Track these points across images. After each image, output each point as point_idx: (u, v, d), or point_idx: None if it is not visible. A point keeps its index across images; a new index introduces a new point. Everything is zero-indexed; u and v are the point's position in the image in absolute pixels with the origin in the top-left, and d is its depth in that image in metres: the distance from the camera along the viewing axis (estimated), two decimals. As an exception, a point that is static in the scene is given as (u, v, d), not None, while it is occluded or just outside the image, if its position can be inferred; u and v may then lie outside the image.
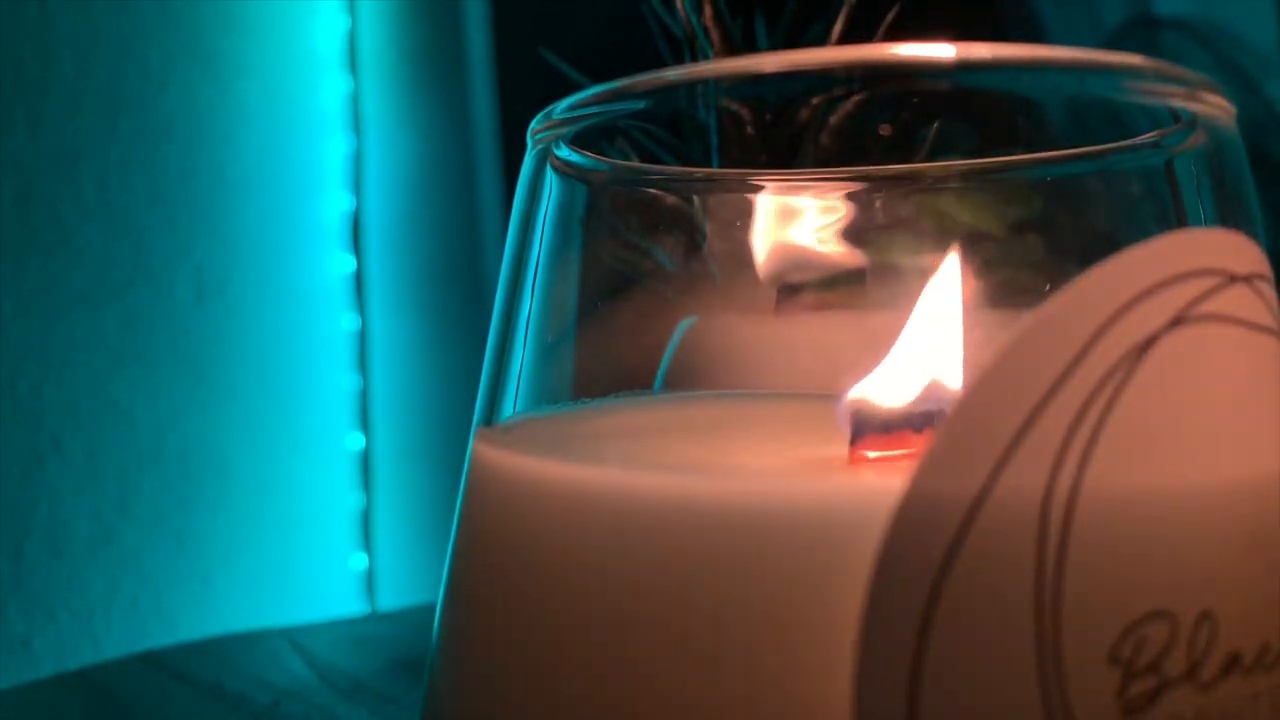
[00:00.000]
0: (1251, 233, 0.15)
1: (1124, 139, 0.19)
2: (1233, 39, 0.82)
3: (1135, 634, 0.13)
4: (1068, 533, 0.13)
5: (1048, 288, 0.14)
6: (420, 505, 0.75)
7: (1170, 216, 0.18)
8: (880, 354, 0.18)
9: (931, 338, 0.18)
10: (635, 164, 0.21)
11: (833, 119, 0.27)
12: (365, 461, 0.76)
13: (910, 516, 0.13)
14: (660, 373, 0.23)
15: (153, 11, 0.68)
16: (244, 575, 0.69)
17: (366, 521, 0.75)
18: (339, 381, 0.75)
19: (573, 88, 0.18)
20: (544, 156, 0.19)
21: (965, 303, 0.17)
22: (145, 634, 0.65)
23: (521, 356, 0.19)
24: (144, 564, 0.66)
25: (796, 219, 0.21)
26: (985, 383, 0.13)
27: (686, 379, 0.23)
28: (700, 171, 0.25)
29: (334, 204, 0.75)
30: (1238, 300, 0.14)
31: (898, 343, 0.17)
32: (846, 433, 0.17)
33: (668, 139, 0.29)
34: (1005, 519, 0.13)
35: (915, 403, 0.17)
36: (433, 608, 0.19)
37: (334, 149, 0.75)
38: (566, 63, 0.35)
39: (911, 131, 0.22)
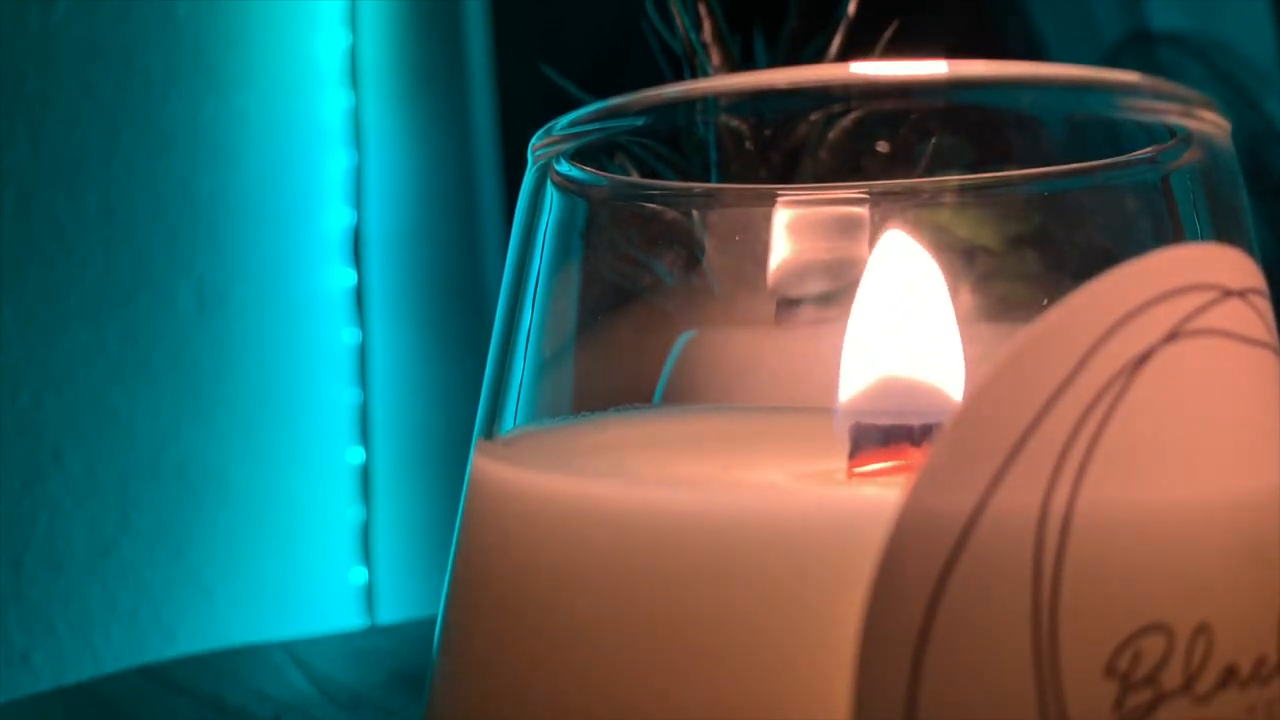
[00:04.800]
0: (1246, 247, 0.16)
1: (1120, 155, 0.19)
2: (1231, 54, 0.82)
3: (1132, 646, 0.13)
4: (1064, 546, 0.13)
5: (1044, 302, 0.14)
6: (420, 519, 0.75)
7: (1166, 232, 0.19)
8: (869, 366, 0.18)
9: (929, 349, 0.18)
10: (635, 179, 0.21)
11: (831, 135, 0.27)
12: (365, 475, 0.76)
13: (908, 530, 0.13)
14: (660, 386, 0.23)
15: (155, 25, 0.68)
16: (244, 588, 0.69)
17: (366, 535, 0.75)
18: (339, 395, 0.75)
19: (573, 104, 0.19)
20: (544, 172, 0.20)
21: (962, 316, 0.18)
22: (145, 647, 0.65)
23: (522, 370, 0.20)
24: (144, 577, 0.66)
25: (795, 234, 0.21)
26: (982, 397, 0.13)
27: (686, 392, 0.23)
28: (700, 186, 0.26)
29: (335, 218, 0.75)
30: (1233, 315, 0.14)
31: (883, 352, 0.18)
32: (845, 446, 0.17)
33: (668, 154, 0.29)
34: (1002, 533, 0.13)
35: (913, 416, 0.17)
36: (433, 621, 0.19)
37: (335, 163, 0.76)
38: (567, 79, 0.35)
39: (909, 147, 0.22)
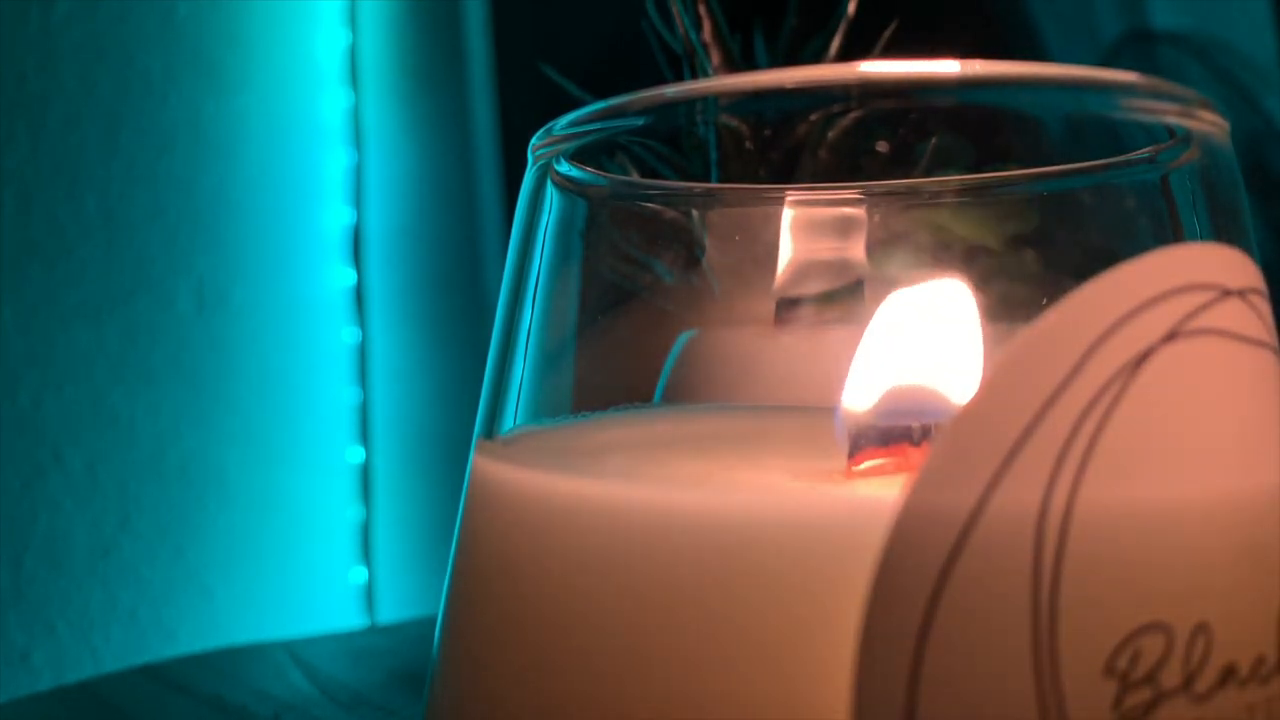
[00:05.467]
0: (1246, 247, 0.16)
1: (1120, 154, 0.19)
2: (1231, 53, 0.82)
3: (1131, 646, 0.13)
4: (1064, 545, 0.13)
5: (1044, 302, 0.14)
6: (420, 518, 0.75)
7: (1166, 231, 0.19)
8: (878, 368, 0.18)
9: (930, 350, 0.18)
10: (635, 179, 0.21)
11: (831, 134, 0.27)
12: (365, 474, 0.76)
13: (908, 530, 0.13)
14: (660, 386, 0.23)
15: (155, 25, 0.68)
16: (244, 588, 0.69)
17: (366, 534, 0.75)
18: (339, 394, 0.75)
19: (573, 103, 0.19)
20: (544, 172, 0.20)
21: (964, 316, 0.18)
22: (145, 646, 0.65)
23: (522, 370, 0.20)
24: (144, 576, 0.66)
25: (795, 233, 0.21)
26: (981, 396, 0.13)
27: (686, 392, 0.23)
28: (699, 186, 0.26)
29: (335, 217, 0.75)
30: (1232, 314, 0.15)
31: (895, 355, 0.18)
32: (844, 446, 0.17)
33: (668, 154, 0.29)
34: (1002, 532, 0.13)
35: (913, 416, 0.17)
36: (433, 621, 0.19)
37: (335, 162, 0.76)
38: (567, 78, 0.35)
39: (909, 147, 0.22)
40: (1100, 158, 0.19)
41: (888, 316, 0.18)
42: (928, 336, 0.17)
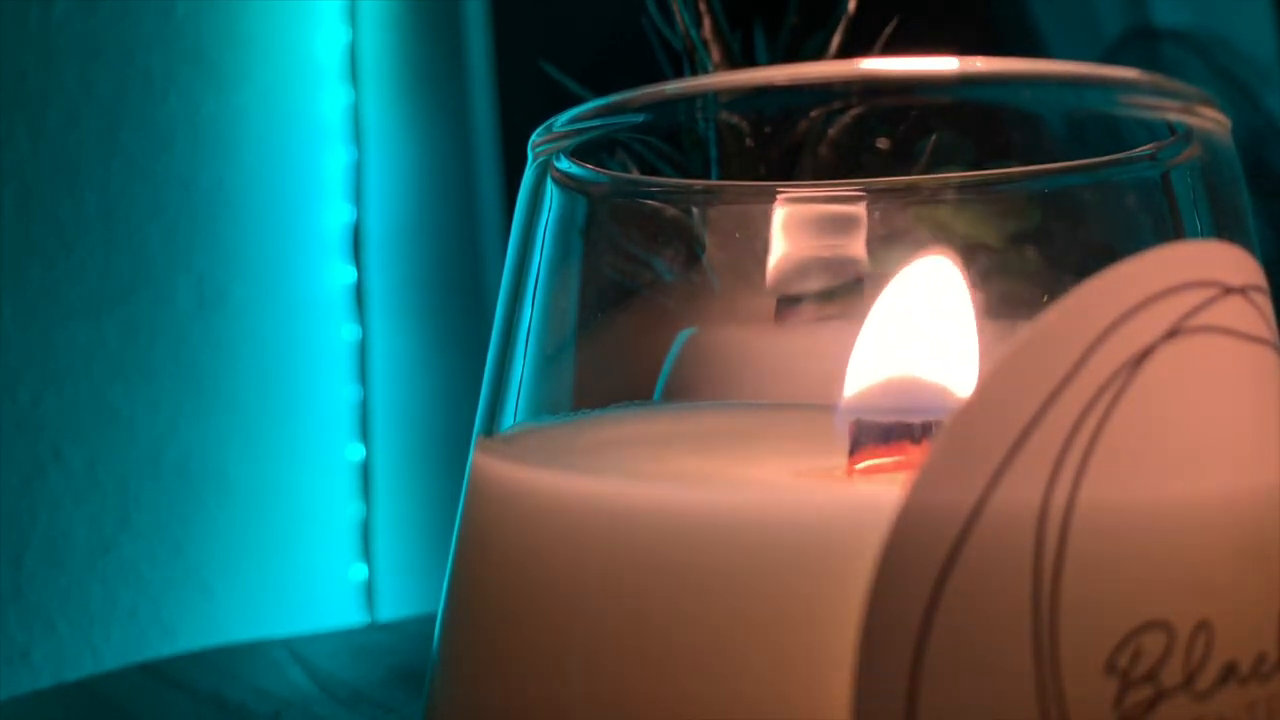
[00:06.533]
0: (1247, 244, 0.16)
1: (1121, 151, 0.19)
2: (1232, 51, 0.82)
3: (1132, 644, 0.13)
4: (1064, 543, 0.13)
5: (1045, 299, 0.14)
6: (420, 516, 0.75)
7: (1167, 228, 0.19)
8: (878, 365, 0.18)
9: (930, 347, 0.18)
10: (635, 176, 0.21)
11: (831, 131, 0.27)
12: (365, 472, 0.76)
13: (908, 527, 0.13)
14: (660, 383, 0.23)
15: (155, 22, 0.68)
16: (244, 585, 0.69)
17: (366, 532, 0.75)
18: (339, 392, 0.75)
19: (573, 100, 0.19)
20: (544, 169, 0.19)
21: (965, 312, 0.18)
22: (145, 644, 0.65)
23: (522, 367, 0.20)
24: (143, 574, 0.66)
25: (795, 230, 0.21)
26: (982, 394, 0.13)
27: (686, 390, 0.23)
28: (699, 183, 0.26)
29: (335, 215, 0.75)
30: (1233, 312, 0.14)
31: (895, 353, 0.18)
32: (845, 443, 0.17)
33: (668, 151, 0.29)
34: (1002, 530, 0.13)
35: (913, 413, 0.17)
36: (433, 618, 0.19)
37: (335, 160, 0.76)
38: (567, 75, 0.35)
39: (910, 144, 0.22)
40: (1101, 155, 0.19)
41: (886, 310, 0.18)
42: (928, 333, 0.17)
